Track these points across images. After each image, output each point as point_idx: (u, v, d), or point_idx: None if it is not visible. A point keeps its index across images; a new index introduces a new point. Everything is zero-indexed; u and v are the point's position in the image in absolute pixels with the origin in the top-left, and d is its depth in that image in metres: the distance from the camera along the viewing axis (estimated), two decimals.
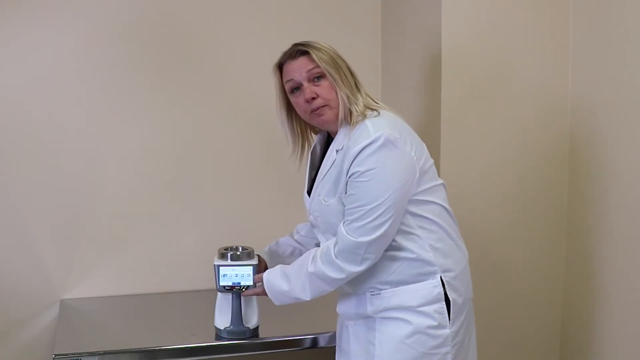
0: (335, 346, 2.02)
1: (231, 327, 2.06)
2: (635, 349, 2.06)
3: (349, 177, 1.70)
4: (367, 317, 1.80)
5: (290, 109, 1.88)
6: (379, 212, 1.66)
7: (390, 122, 1.72)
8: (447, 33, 2.23)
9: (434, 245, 1.75)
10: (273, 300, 1.88)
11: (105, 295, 2.57)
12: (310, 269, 1.76)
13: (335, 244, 1.73)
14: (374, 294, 1.77)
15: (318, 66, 1.75)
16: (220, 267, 2.01)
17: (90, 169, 2.52)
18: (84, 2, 2.46)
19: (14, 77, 2.43)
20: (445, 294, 1.73)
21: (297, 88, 1.79)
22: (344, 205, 1.73)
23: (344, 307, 1.88)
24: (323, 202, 1.79)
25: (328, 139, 1.90)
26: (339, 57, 1.79)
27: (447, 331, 1.73)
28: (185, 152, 2.62)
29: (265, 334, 2.14)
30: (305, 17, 2.66)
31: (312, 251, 1.81)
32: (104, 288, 2.57)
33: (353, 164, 1.69)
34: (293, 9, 2.65)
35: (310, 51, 1.76)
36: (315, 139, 1.96)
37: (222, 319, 2.08)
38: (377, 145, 1.66)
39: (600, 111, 2.19)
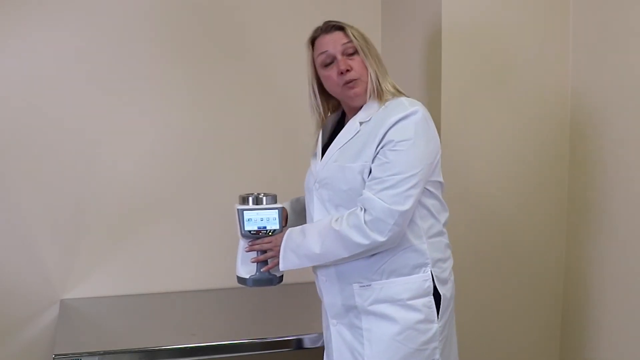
0: None
1: (257, 274, 1.92)
2: (635, 349, 2.06)
3: (382, 146, 1.70)
4: (352, 313, 1.79)
5: (318, 85, 1.88)
6: (413, 182, 1.68)
7: (422, 105, 1.77)
8: (447, 16, 2.23)
9: (429, 237, 1.77)
10: (280, 263, 1.81)
11: (105, 295, 2.57)
12: (335, 226, 1.72)
13: (364, 212, 1.70)
14: (363, 286, 1.77)
15: (352, 42, 1.79)
16: (245, 212, 1.87)
17: (91, 169, 2.52)
18: None
19: (15, 75, 2.43)
20: (435, 288, 1.75)
21: (331, 62, 1.80)
22: (362, 176, 1.72)
23: (330, 298, 1.85)
24: (340, 166, 1.77)
25: (339, 122, 1.91)
26: (370, 40, 1.84)
27: (435, 326, 1.74)
28: (186, 153, 2.62)
29: (265, 334, 2.14)
30: (305, 9, 2.66)
31: (333, 216, 1.77)
32: (104, 288, 2.57)
33: (389, 132, 1.70)
34: None
35: (345, 27, 1.81)
36: (328, 119, 1.95)
37: (247, 268, 1.92)
38: (416, 118, 1.70)
39: (601, 100, 2.18)
